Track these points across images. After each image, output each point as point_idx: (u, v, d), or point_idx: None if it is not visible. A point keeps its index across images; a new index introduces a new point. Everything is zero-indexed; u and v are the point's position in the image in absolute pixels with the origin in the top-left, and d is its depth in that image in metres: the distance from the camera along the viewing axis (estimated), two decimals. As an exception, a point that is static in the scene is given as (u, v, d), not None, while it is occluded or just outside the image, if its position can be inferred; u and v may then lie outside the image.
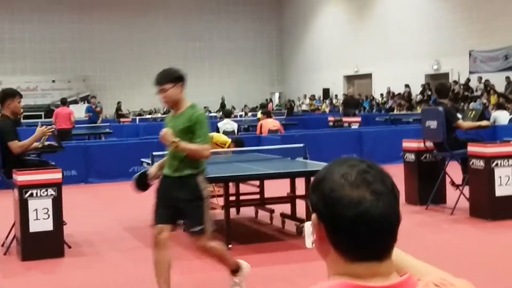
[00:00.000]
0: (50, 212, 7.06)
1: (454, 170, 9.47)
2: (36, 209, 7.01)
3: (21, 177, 7.06)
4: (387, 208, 1.43)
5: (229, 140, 10.73)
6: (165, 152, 5.57)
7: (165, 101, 5.47)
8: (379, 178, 1.46)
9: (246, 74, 40.82)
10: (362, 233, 1.41)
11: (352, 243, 1.43)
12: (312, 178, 5.65)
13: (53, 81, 37.27)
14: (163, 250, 5.21)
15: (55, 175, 7.22)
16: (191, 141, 5.11)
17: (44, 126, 7.85)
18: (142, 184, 5.72)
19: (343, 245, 1.45)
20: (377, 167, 1.49)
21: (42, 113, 33.18)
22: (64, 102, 19.83)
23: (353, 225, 1.41)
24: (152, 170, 5.59)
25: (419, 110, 24.52)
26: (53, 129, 7.87)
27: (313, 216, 1.49)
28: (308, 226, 1.66)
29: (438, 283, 1.48)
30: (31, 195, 7.01)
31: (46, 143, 7.88)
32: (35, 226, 7.00)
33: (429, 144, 9.49)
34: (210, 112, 35.20)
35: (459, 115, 10.02)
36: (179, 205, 5.16)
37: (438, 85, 10.12)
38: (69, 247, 7.42)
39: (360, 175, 1.45)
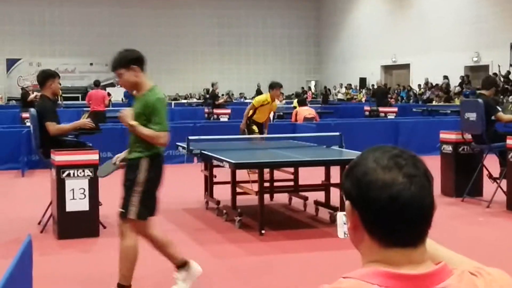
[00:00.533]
0: (87, 193, 7.14)
1: (492, 163, 9.35)
2: (73, 189, 7.10)
3: (58, 157, 7.15)
4: (420, 191, 1.42)
5: (268, 95, 12.12)
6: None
7: (122, 86, 5.30)
8: (411, 162, 1.45)
9: (282, 61, 40.76)
10: (396, 216, 1.40)
11: (386, 226, 1.42)
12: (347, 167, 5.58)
13: (91, 64, 37.64)
14: (122, 239, 5.05)
15: (92, 156, 7.30)
16: (147, 127, 4.96)
17: (88, 119, 7.95)
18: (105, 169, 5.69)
19: (377, 230, 1.43)
20: (410, 153, 1.48)
21: (80, 95, 33.54)
22: (98, 84, 20.04)
23: (387, 208, 1.40)
24: (122, 154, 5.47)
25: (457, 102, 24.24)
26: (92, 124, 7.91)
27: (347, 203, 1.48)
28: (340, 216, 1.65)
29: (474, 272, 1.47)
30: (68, 175, 7.10)
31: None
32: (71, 206, 7.09)
33: (467, 136, 9.39)
34: (245, 98, 35.25)
35: (499, 108, 9.87)
36: None
37: (487, 76, 10.03)
38: (104, 227, 7.50)
39: (392, 159, 1.44)
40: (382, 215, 1.41)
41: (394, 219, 1.40)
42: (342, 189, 1.51)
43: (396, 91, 31.82)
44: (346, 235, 1.61)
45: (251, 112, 12.17)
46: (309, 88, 39.48)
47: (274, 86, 12.10)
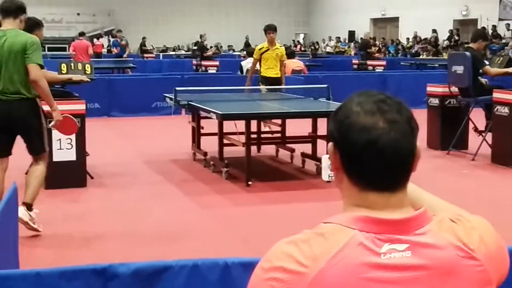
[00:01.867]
0: (73, 143, 7.13)
1: (478, 117, 9.40)
2: (60, 139, 7.08)
3: (45, 107, 7.09)
4: (400, 137, 1.42)
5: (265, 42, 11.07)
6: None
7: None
8: (395, 108, 1.44)
9: (271, 14, 40.31)
10: (373, 161, 1.41)
11: (363, 170, 1.43)
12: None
13: (78, 14, 37.13)
14: None
15: (79, 106, 7.27)
16: None
17: (85, 76, 7.81)
18: None
19: (355, 173, 1.44)
20: (396, 99, 1.47)
21: (66, 46, 33.17)
22: (82, 34, 19.96)
23: (364, 151, 1.41)
24: None
25: (445, 56, 24.19)
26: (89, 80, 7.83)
27: (330, 144, 1.49)
28: (325, 159, 1.67)
29: (454, 219, 1.48)
30: (55, 125, 7.06)
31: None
32: (58, 156, 7.09)
33: (454, 89, 9.41)
34: (234, 50, 35.02)
35: (486, 62, 9.88)
36: None
37: (477, 29, 10.00)
38: (91, 177, 7.53)
39: (376, 104, 1.44)
40: (360, 158, 1.42)
41: (370, 163, 1.41)
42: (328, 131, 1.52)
43: (381, 44, 31.61)
44: (330, 177, 1.62)
45: (255, 67, 11.29)
46: (298, 42, 39.23)
47: (265, 30, 11.06)
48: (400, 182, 1.46)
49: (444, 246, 1.41)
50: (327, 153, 1.57)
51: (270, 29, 10.91)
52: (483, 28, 24.82)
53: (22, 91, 5.45)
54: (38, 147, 5.61)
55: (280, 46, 11.32)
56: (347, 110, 1.46)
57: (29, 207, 5.50)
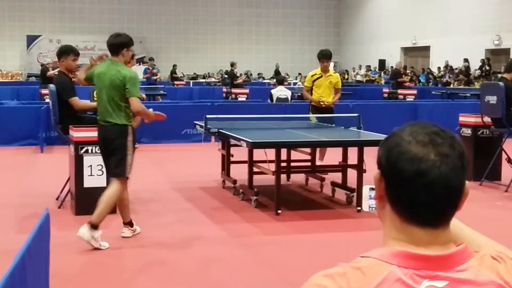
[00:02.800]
0: (104, 169, 7.17)
1: (511, 147, 9.27)
2: (91, 165, 7.14)
3: (77, 133, 7.18)
4: (450, 172, 1.38)
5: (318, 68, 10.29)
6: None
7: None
8: (449, 142, 1.41)
9: (301, 42, 40.59)
10: (420, 193, 1.38)
11: (409, 201, 1.39)
12: (364, 148, 5.59)
13: (110, 41, 37.61)
14: None
15: (110, 133, 7.31)
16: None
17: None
18: None
19: (400, 204, 1.41)
20: (450, 133, 1.45)
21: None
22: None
23: (412, 182, 1.38)
24: None
25: (477, 85, 24.01)
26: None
27: (376, 172, 1.47)
28: (366, 189, 1.64)
29: (495, 256, 1.44)
30: (87, 151, 7.14)
31: None
32: (89, 182, 7.13)
33: (487, 119, 9.31)
34: (264, 78, 35.16)
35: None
36: None
37: (509, 60, 9.88)
38: (121, 204, 7.53)
39: (429, 135, 1.42)
40: (406, 189, 1.39)
41: (417, 195, 1.38)
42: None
43: (411, 73, 31.47)
44: (371, 209, 1.59)
45: (308, 94, 10.34)
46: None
47: (319, 57, 10.20)
48: (444, 218, 1.43)
49: (484, 283, 1.37)
50: (356, 191, 1.54)
51: (324, 57, 10.10)
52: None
53: (114, 118, 6.06)
54: (121, 170, 6.05)
55: (334, 73, 10.61)
56: (399, 138, 1.43)
57: (94, 226, 5.85)
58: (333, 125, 9.35)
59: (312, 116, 10.18)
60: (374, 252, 1.41)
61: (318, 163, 9.37)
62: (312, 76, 10.22)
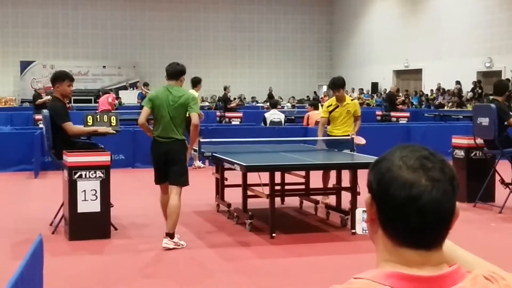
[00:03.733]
0: (98, 194, 7.16)
1: (504, 168, 9.30)
2: (85, 190, 7.12)
3: (71, 159, 7.18)
4: (442, 197, 1.40)
5: (333, 98, 9.50)
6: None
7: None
8: (439, 167, 1.43)
9: (294, 66, 40.78)
10: (412, 218, 1.38)
11: (401, 226, 1.40)
12: (358, 171, 5.60)
13: (104, 66, 37.75)
14: None
15: (104, 158, 7.32)
16: None
17: (110, 128, 8.17)
18: None
19: (392, 228, 1.42)
20: (440, 156, 1.46)
21: (92, 98, 33.65)
22: (104, 92, 21.49)
23: (404, 208, 1.38)
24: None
25: (469, 107, 24.12)
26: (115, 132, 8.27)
27: (367, 195, 1.47)
28: (359, 212, 1.65)
29: (488, 277, 1.45)
30: (80, 176, 7.13)
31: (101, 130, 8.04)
32: (83, 207, 7.11)
33: (480, 141, 9.34)
34: (257, 102, 35.24)
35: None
36: None
37: (496, 81, 9.90)
38: (116, 229, 7.52)
39: (420, 160, 1.42)
40: (398, 214, 1.40)
41: (409, 220, 1.39)
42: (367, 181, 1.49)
43: (404, 96, 31.54)
44: (364, 231, 1.61)
45: (323, 127, 9.55)
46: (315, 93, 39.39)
47: (332, 88, 9.41)
48: (437, 241, 1.43)
49: None
50: (350, 214, 1.55)
51: (335, 87, 9.24)
52: (507, 79, 24.80)
53: (177, 135, 6.88)
54: (185, 179, 6.97)
55: (352, 100, 9.64)
56: (389, 163, 1.44)
57: (171, 236, 6.84)
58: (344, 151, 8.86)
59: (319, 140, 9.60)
60: (367, 273, 1.41)
61: (324, 200, 8.96)
62: (328, 107, 9.34)
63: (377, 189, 1.44)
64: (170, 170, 6.90)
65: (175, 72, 7.15)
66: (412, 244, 1.41)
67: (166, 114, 6.87)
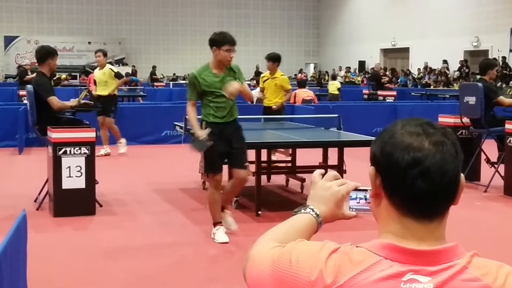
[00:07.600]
0: (83, 170, 7.11)
1: (490, 148, 9.33)
2: (69, 167, 7.07)
3: (55, 135, 7.11)
4: (446, 159, 1.39)
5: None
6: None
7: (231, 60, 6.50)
8: (441, 132, 1.43)
9: (281, 43, 40.64)
10: (417, 181, 1.37)
11: (407, 192, 1.39)
12: (345, 149, 5.55)
13: (89, 42, 37.47)
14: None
15: (89, 134, 7.26)
16: None
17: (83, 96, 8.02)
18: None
19: (398, 195, 1.41)
20: (441, 126, 1.46)
21: (77, 74, 33.40)
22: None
23: (409, 171, 1.37)
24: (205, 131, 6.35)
25: (456, 86, 24.19)
26: (88, 88, 8.08)
27: (371, 169, 1.46)
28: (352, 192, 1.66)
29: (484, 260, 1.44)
30: (65, 152, 7.07)
31: (82, 101, 7.93)
32: (67, 183, 7.07)
33: (466, 120, 9.35)
34: (244, 79, 35.15)
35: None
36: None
37: (482, 60, 9.88)
38: (100, 205, 7.48)
39: (422, 126, 1.43)
40: (403, 178, 1.38)
41: (414, 184, 1.37)
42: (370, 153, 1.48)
43: (391, 74, 31.57)
44: (351, 209, 1.67)
45: (261, 95, 10.76)
46: (300, 70, 39.33)
47: (267, 59, 10.43)
48: (440, 210, 1.43)
49: (470, 280, 1.36)
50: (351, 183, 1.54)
51: (268, 59, 10.38)
52: (494, 59, 24.87)
53: (236, 114, 6.51)
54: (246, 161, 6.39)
55: (282, 75, 10.57)
56: (391, 131, 1.45)
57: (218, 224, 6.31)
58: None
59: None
60: (367, 243, 1.43)
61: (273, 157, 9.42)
62: (262, 77, 10.69)
63: (381, 156, 1.43)
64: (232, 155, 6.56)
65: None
66: (416, 213, 1.40)
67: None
